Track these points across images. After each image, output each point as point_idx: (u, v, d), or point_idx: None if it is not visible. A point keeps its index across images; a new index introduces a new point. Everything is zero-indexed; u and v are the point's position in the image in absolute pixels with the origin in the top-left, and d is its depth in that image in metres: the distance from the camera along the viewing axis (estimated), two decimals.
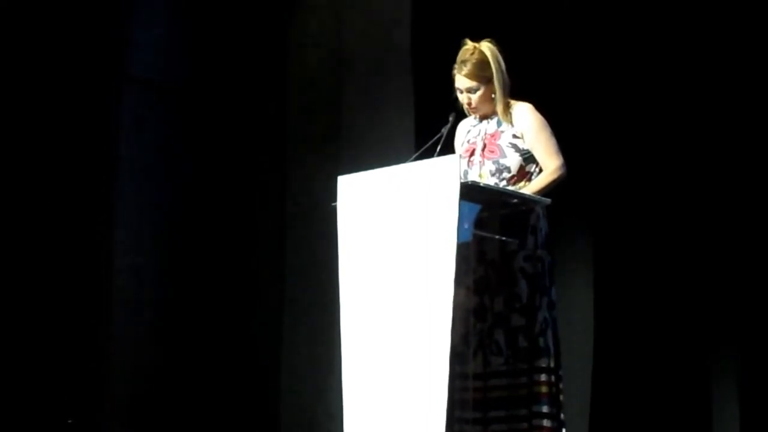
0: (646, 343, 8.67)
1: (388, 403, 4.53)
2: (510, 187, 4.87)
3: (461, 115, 5.09)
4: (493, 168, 4.93)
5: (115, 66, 7.19)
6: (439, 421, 4.37)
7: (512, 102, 4.99)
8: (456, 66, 4.96)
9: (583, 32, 8.13)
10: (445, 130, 4.93)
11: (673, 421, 8.77)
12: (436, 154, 4.77)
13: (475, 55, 4.93)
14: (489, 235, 4.76)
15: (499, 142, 4.95)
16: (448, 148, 4.95)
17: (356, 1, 7.52)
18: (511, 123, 4.95)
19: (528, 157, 4.94)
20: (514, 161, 4.93)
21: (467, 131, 5.09)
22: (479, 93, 4.94)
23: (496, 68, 4.92)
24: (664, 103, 8.44)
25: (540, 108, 5.01)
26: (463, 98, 4.98)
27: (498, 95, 4.94)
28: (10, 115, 6.93)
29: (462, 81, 4.95)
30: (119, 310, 7.10)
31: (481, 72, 4.92)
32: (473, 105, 4.96)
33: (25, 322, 6.85)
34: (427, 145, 4.89)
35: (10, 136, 6.92)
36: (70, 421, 6.84)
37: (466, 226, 4.51)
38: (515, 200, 4.78)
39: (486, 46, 4.95)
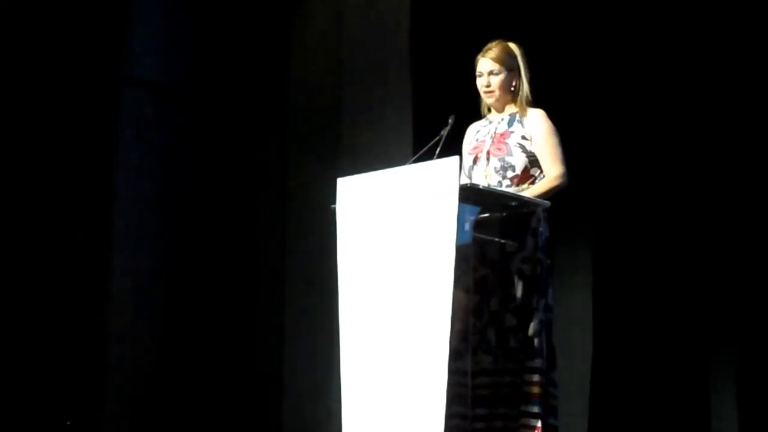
0: (645, 345, 8.66)
1: (386, 403, 4.54)
2: (512, 188, 4.90)
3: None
4: (498, 165, 4.95)
5: (114, 67, 7.21)
6: (437, 421, 4.39)
7: (526, 106, 5.04)
8: (480, 53, 5.05)
9: (585, 36, 8.13)
10: (444, 132, 4.94)
11: (672, 421, 8.77)
12: (435, 156, 4.78)
13: (502, 45, 5.05)
14: (489, 237, 4.78)
15: (507, 140, 4.98)
16: (448, 150, 4.96)
17: (356, 4, 7.54)
18: (522, 123, 4.99)
19: (534, 160, 4.96)
20: (519, 161, 4.95)
21: (476, 131, 5.13)
22: (500, 77, 5.01)
23: (522, 62, 5.03)
24: (664, 107, 8.44)
25: None
26: (482, 81, 5.04)
27: (523, 88, 5.01)
28: (11, 117, 6.94)
29: (485, 63, 5.02)
30: (119, 310, 7.11)
31: (506, 58, 5.02)
32: (492, 88, 5.01)
33: (25, 323, 6.87)
34: (427, 147, 4.90)
35: (10, 138, 6.94)
36: (68, 423, 6.86)
37: (465, 227, 4.52)
38: (514, 203, 4.80)
39: (514, 44, 5.06)
